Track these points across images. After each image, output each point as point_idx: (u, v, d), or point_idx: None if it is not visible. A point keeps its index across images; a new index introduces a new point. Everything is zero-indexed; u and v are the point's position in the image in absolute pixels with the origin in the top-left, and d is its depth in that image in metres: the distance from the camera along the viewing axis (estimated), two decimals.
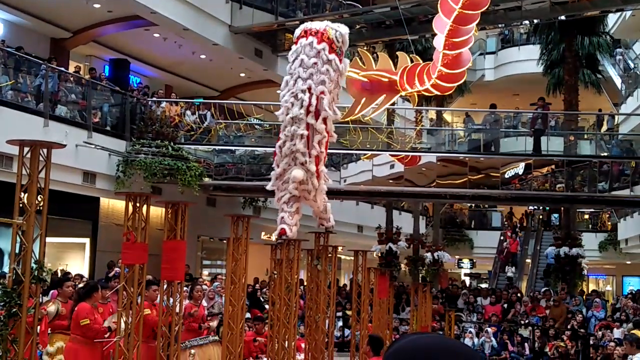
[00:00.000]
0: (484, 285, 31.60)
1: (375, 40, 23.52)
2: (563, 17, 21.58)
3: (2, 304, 6.88)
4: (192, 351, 11.23)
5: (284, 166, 8.10)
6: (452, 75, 13.24)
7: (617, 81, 30.80)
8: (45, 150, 6.76)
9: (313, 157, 7.93)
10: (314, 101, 8.10)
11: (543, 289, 23.36)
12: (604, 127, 27.19)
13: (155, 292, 10.11)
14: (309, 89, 8.22)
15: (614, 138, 25.15)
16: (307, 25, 8.42)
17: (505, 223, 35.78)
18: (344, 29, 8.46)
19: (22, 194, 6.69)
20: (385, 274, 15.89)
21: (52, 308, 10.06)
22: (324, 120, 8.12)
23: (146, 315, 9.15)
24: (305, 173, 7.93)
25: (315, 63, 8.24)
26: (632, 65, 30.20)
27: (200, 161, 20.25)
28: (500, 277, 28.91)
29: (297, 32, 8.52)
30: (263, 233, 24.23)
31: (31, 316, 6.86)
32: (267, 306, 15.26)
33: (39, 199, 6.74)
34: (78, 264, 19.91)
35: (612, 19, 27.36)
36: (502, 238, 32.63)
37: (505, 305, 21.53)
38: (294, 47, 8.49)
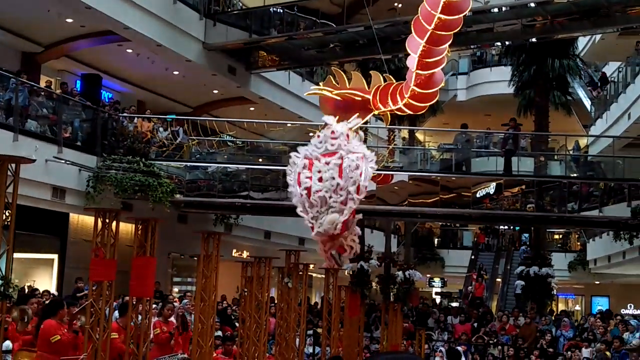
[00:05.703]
0: (454, 304, 31.63)
1: (349, 59, 23.62)
2: (534, 40, 21.86)
3: None
4: None
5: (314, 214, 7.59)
6: (424, 95, 13.23)
7: (587, 103, 31.22)
8: (13, 165, 6.68)
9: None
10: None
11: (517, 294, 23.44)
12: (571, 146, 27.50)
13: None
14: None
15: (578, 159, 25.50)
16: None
17: (475, 239, 35.87)
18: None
19: None
20: (357, 292, 15.92)
21: (15, 314, 9.86)
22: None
23: (112, 339, 9.02)
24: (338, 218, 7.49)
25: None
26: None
27: (171, 177, 20.10)
28: None
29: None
30: (234, 250, 24.08)
31: None
32: (237, 324, 15.16)
33: (7, 214, 6.65)
34: (46, 280, 19.64)
35: (582, 42, 27.76)
36: (469, 276, 32.12)
37: (476, 324, 21.59)
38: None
